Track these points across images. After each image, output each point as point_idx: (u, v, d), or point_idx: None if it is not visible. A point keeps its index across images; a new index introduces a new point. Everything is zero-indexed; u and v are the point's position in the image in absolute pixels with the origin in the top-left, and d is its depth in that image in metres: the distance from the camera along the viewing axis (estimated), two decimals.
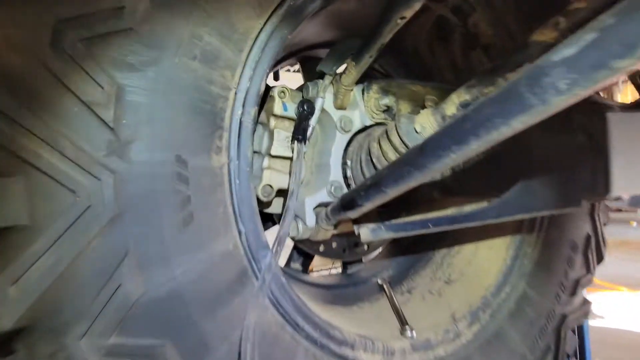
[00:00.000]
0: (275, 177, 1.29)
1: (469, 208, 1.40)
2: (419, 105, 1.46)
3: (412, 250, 1.80)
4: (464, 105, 1.13)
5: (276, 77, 1.87)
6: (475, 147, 0.68)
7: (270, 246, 0.98)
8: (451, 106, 1.17)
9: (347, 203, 1.18)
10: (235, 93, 0.90)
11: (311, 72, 1.75)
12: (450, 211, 1.43)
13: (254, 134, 0.98)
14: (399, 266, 1.79)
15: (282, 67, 1.66)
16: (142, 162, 0.74)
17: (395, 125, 1.29)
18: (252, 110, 0.95)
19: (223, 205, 0.88)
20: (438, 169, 0.85)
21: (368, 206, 1.11)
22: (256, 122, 0.97)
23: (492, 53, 1.48)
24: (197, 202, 0.82)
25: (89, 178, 0.69)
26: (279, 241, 0.98)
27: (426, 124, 1.23)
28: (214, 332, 0.82)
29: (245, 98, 0.92)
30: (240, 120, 0.92)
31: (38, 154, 0.65)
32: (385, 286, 1.65)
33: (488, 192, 1.46)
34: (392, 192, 1.00)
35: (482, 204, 1.42)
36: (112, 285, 0.70)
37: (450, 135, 0.79)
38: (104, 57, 0.69)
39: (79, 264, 0.68)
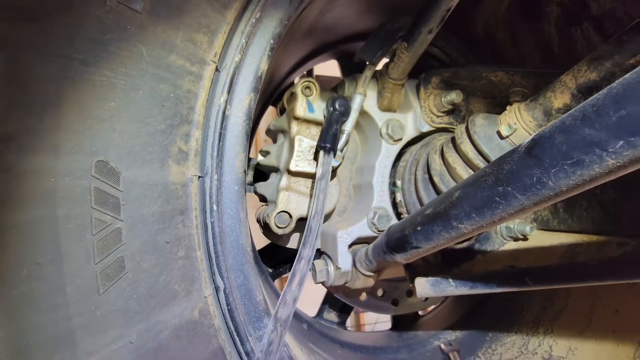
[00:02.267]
0: (295, 201, 0.94)
1: (586, 255, 0.92)
2: (499, 102, 1.04)
3: (488, 303, 1.32)
4: (588, 89, 0.71)
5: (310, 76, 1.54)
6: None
7: (273, 311, 0.62)
8: (562, 94, 0.75)
9: (395, 242, 0.79)
10: (216, 70, 0.58)
11: (352, 71, 1.41)
12: (558, 258, 0.95)
13: (250, 137, 0.64)
14: (471, 325, 1.31)
15: (315, 64, 1.35)
16: (29, 171, 0.43)
17: (468, 129, 0.89)
18: (246, 99, 0.62)
19: (187, 245, 0.54)
20: (566, 190, 0.45)
21: (428, 249, 0.71)
22: (253, 120, 0.64)
23: (607, 27, 1.03)
24: (135, 240, 0.49)
25: None
26: (286, 301, 0.62)
27: (518, 124, 0.81)
28: None
29: (232, 79, 0.60)
30: (224, 112, 0.59)
31: None
32: (451, 356, 1.18)
33: (614, 230, 0.97)
34: (471, 229, 0.60)
35: (608, 248, 0.93)
36: None
37: (598, 124, 0.39)
38: None
39: None
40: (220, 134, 0.59)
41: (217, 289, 0.57)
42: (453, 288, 0.86)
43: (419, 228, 0.70)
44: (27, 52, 0.42)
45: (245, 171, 0.64)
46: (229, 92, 0.60)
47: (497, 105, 1.05)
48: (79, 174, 0.46)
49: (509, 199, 0.51)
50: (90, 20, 0.46)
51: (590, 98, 0.41)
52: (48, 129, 0.44)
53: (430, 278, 0.88)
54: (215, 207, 0.57)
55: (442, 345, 1.25)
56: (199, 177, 0.57)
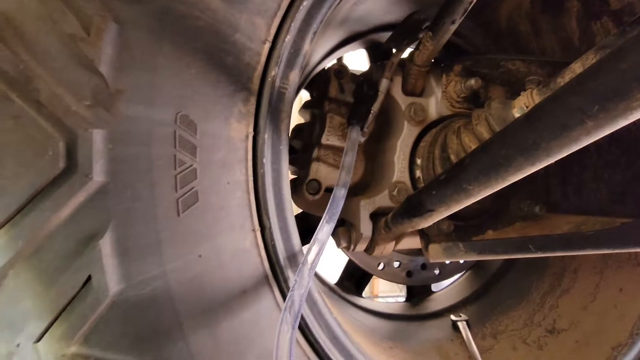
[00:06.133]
0: (324, 171, 1.06)
1: (590, 228, 1.00)
2: (516, 90, 1.12)
3: (500, 282, 1.41)
4: None
5: None
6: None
7: (305, 252, 0.74)
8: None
9: (412, 207, 0.90)
10: (271, 48, 0.71)
11: (379, 60, 1.51)
12: (563, 229, 1.04)
13: (292, 105, 0.76)
14: (481, 301, 1.40)
15: (345, 52, 1.46)
16: (134, 118, 0.57)
17: (484, 112, 0.98)
18: (293, 74, 0.74)
19: (242, 188, 0.67)
20: (556, 151, 0.54)
21: (442, 212, 0.82)
22: (296, 92, 0.76)
23: (626, 21, 1.08)
24: (206, 178, 0.63)
25: (65, 132, 0.53)
26: (316, 246, 0.74)
27: (531, 106, 0.90)
28: (209, 357, 0.60)
29: (282, 56, 0.72)
30: (274, 83, 0.72)
31: (5, 95, 0.51)
32: (461, 325, 1.28)
33: (619, 211, 1.04)
34: (479, 191, 0.70)
35: (610, 224, 1.01)
36: (79, 276, 0.53)
37: (580, 93, 0.49)
38: None
39: (40, 243, 0.52)
40: (270, 101, 0.72)
41: (263, 227, 0.70)
42: (463, 253, 0.96)
43: (433, 192, 0.81)
44: (134, 27, 0.56)
45: (288, 134, 0.76)
46: (279, 66, 0.72)
47: (514, 93, 1.13)
48: (168, 123, 0.59)
49: (510, 160, 0.60)
50: (178, 2, 0.59)
51: (577, 74, 0.50)
52: (147, 86, 0.58)
53: (442, 243, 0.98)
54: (264, 161, 0.70)
55: (452, 316, 1.35)
56: (253, 134, 0.69)
